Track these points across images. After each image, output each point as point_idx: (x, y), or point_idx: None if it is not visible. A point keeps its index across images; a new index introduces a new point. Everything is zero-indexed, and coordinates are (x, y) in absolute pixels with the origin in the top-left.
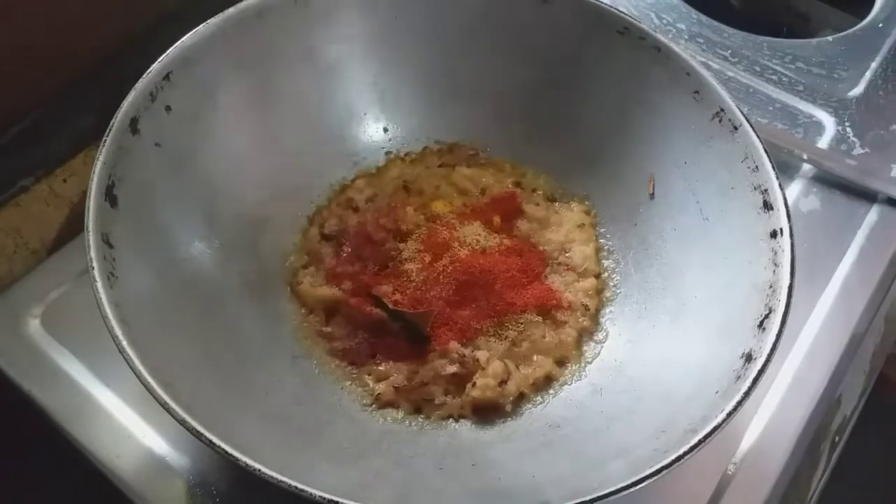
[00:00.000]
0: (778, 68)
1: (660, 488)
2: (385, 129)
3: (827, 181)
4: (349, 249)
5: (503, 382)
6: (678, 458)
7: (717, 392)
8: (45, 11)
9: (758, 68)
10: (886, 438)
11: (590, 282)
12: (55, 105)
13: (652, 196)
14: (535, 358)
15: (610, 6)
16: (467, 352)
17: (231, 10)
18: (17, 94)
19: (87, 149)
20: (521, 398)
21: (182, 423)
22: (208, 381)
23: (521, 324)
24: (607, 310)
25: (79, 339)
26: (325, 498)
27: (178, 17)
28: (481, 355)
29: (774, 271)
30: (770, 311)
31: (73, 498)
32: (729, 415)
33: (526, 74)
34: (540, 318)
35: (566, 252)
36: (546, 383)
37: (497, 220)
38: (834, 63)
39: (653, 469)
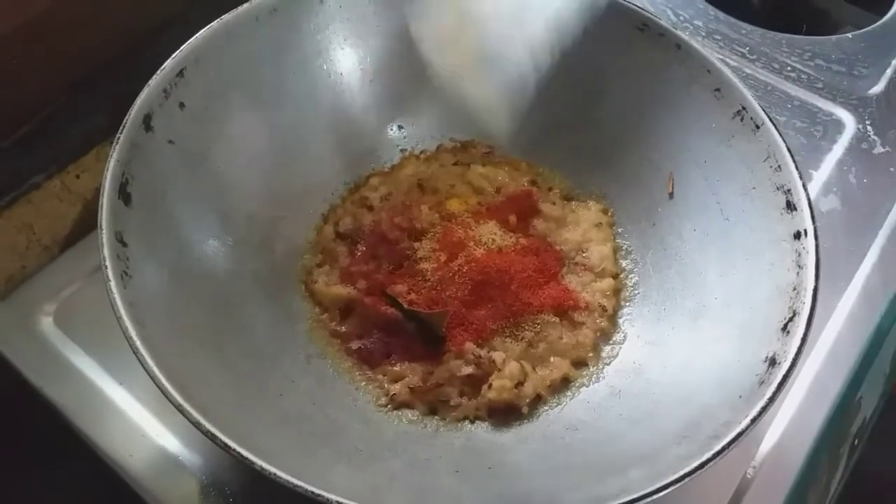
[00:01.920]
0: (797, 66)
1: (678, 490)
2: (400, 127)
3: (847, 180)
4: (364, 248)
5: (520, 384)
6: (701, 466)
7: (740, 396)
8: (56, 9)
9: (776, 66)
10: None
11: (607, 282)
12: (67, 102)
13: (671, 195)
14: (551, 359)
15: (628, 2)
16: (483, 352)
17: (245, 6)
18: (29, 92)
19: (100, 145)
20: (537, 400)
21: (197, 425)
22: (222, 382)
23: (538, 324)
24: (625, 311)
25: (91, 336)
26: (341, 503)
27: (189, 14)
28: (497, 356)
29: (798, 273)
30: (794, 314)
31: (85, 497)
32: (753, 420)
33: (542, 71)
34: (557, 319)
35: (583, 252)
36: (563, 385)
37: (513, 218)
38: (854, 60)
39: (675, 476)
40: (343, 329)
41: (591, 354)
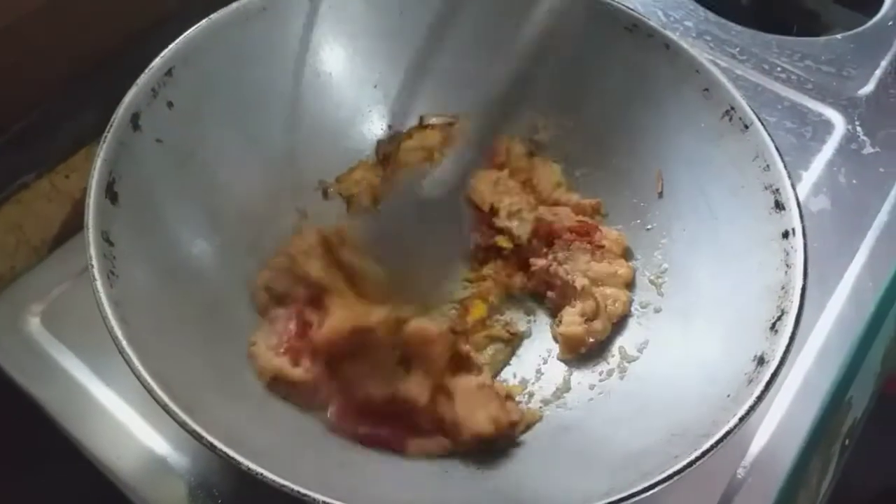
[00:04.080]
0: (787, 66)
1: (667, 492)
2: (389, 127)
3: (837, 181)
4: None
5: (590, 320)
6: (690, 464)
7: (728, 396)
8: (47, 8)
9: (766, 66)
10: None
11: None
12: (57, 101)
13: (660, 195)
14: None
15: (617, 3)
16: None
17: (234, 5)
18: (18, 90)
19: (89, 145)
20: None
21: (182, 425)
22: (209, 383)
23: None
24: None
25: (79, 337)
26: (327, 503)
27: (181, 12)
28: (578, 280)
29: (786, 272)
30: (783, 313)
31: (72, 499)
32: (741, 419)
33: (533, 72)
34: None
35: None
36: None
37: None
38: (843, 61)
39: (664, 475)
40: None
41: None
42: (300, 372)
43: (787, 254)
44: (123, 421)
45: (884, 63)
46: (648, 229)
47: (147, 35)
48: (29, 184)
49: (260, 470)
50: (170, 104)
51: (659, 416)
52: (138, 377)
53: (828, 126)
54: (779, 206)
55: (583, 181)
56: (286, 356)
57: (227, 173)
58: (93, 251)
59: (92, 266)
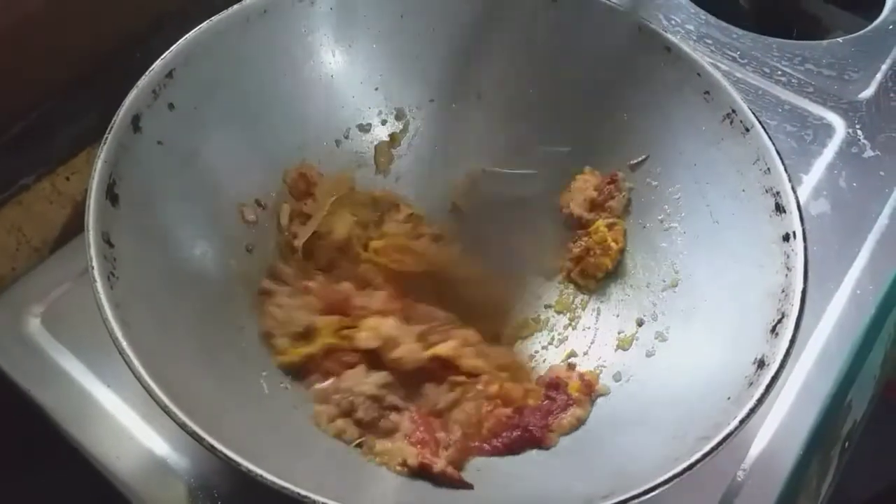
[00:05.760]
0: (787, 70)
1: (667, 494)
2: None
3: (837, 184)
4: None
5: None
6: (690, 467)
7: (728, 398)
8: (47, 9)
9: (767, 70)
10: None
11: None
12: (58, 103)
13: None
14: None
15: (618, 6)
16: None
17: (236, 7)
18: (19, 92)
19: (91, 147)
20: None
21: (182, 426)
22: (210, 384)
23: None
24: (615, 313)
25: (80, 338)
26: None
27: (183, 13)
28: None
29: (787, 275)
30: (783, 316)
31: (72, 500)
32: (742, 422)
33: (533, 75)
34: None
35: None
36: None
37: None
38: (844, 65)
39: (664, 477)
40: None
41: None
42: (442, 464)
43: (788, 257)
44: (123, 422)
45: (884, 67)
46: (648, 232)
47: (148, 37)
48: (30, 185)
49: (260, 472)
50: (171, 106)
51: (659, 419)
52: (138, 379)
53: (828, 129)
54: (779, 209)
55: None
56: (424, 450)
57: (228, 175)
58: (93, 253)
59: (92, 268)
